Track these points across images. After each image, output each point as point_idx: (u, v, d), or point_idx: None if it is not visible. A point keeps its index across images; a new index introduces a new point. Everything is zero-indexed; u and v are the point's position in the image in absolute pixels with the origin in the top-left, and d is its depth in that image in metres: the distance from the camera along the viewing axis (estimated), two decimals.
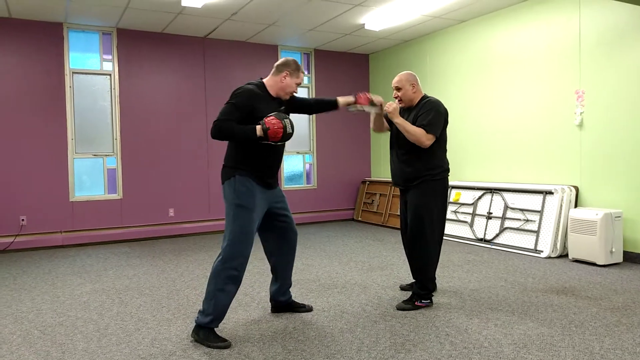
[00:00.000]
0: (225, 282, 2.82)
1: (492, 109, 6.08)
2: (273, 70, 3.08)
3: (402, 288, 3.87)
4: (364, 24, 6.40)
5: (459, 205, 6.17)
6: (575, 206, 5.07)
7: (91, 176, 6.42)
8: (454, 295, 3.68)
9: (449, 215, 6.29)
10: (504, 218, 5.53)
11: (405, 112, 3.50)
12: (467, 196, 6.11)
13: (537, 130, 5.52)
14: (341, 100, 3.35)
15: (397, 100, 3.48)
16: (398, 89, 3.44)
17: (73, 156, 6.24)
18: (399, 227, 6.95)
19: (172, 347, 2.81)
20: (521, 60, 5.69)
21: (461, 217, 6.09)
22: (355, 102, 3.36)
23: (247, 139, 2.86)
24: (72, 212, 6.20)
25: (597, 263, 4.53)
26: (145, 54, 6.57)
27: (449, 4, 5.68)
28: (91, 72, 6.35)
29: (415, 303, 3.38)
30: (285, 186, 7.62)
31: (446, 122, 3.46)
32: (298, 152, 7.78)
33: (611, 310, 3.28)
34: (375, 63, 8.21)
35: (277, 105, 3.06)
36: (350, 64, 8.12)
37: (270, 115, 2.85)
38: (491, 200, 5.78)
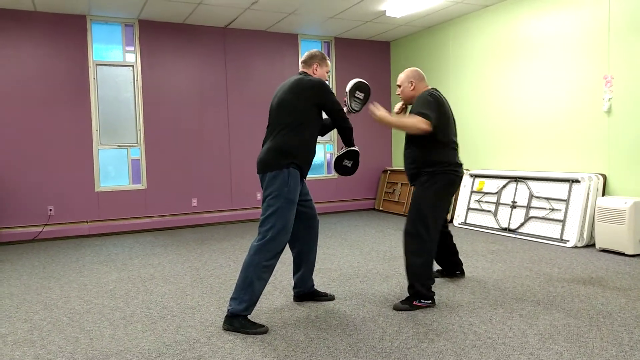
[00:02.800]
0: (263, 271, 2.86)
1: (517, 96, 5.95)
2: (302, 65, 3.17)
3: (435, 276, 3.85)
4: (384, 11, 6.31)
5: (482, 195, 6.09)
6: (603, 195, 4.95)
7: (116, 167, 6.53)
8: (478, 285, 3.64)
9: (472, 204, 6.21)
10: (528, 207, 5.44)
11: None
12: (491, 185, 6.02)
13: (564, 117, 5.39)
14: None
15: (399, 95, 3.56)
16: (399, 86, 3.52)
17: (98, 147, 6.35)
18: None
19: (197, 334, 2.85)
20: (547, 45, 5.54)
21: (485, 206, 6.01)
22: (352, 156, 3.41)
23: (352, 142, 3.26)
24: (97, 202, 6.32)
25: (626, 253, 4.42)
26: (166, 45, 6.62)
27: None
28: (114, 63, 6.43)
29: (414, 303, 3.17)
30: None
31: (446, 115, 3.26)
32: (319, 142, 7.75)
33: None
34: (396, 51, 8.11)
35: None
36: (371, 52, 8.04)
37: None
38: (516, 189, 5.68)
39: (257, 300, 2.91)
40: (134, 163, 6.57)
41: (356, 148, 3.35)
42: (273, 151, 2.96)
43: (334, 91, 7.72)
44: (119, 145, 6.48)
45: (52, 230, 6.10)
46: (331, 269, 4.27)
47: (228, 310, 2.89)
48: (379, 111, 3.22)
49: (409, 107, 3.51)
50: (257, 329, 2.82)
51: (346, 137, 3.25)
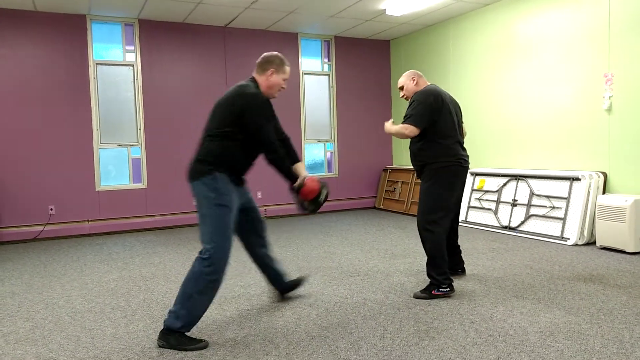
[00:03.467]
0: (207, 285, 2.65)
1: (518, 94, 5.95)
2: (256, 68, 2.91)
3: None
4: (384, 10, 6.31)
5: (483, 193, 6.09)
6: (604, 192, 4.95)
7: (116, 166, 6.53)
8: (479, 283, 3.65)
9: (472, 202, 6.21)
10: (529, 205, 5.44)
11: None
12: (492, 183, 6.02)
13: (564, 115, 5.39)
14: (299, 176, 2.93)
15: (404, 97, 3.62)
16: (401, 88, 3.60)
17: (98, 146, 6.35)
18: None
19: (197, 332, 2.85)
20: (547, 43, 5.54)
21: (485, 204, 6.01)
22: (298, 193, 2.93)
23: (287, 175, 2.87)
24: (98, 202, 6.33)
25: (627, 250, 4.42)
26: (166, 44, 6.62)
27: None
28: (114, 63, 6.43)
29: (433, 292, 3.32)
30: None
31: (439, 111, 3.34)
32: (319, 141, 7.76)
33: None
34: (396, 49, 8.10)
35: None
36: (371, 50, 8.04)
37: (316, 177, 2.97)
38: (516, 187, 5.68)
39: (197, 319, 2.69)
40: (134, 162, 6.58)
41: (298, 181, 2.89)
42: (197, 160, 2.79)
43: (334, 91, 7.73)
44: (119, 145, 6.48)
45: (53, 230, 6.11)
46: (332, 267, 4.27)
47: (164, 323, 2.68)
48: (386, 126, 3.48)
49: None
50: (195, 345, 2.61)
51: (277, 169, 2.87)
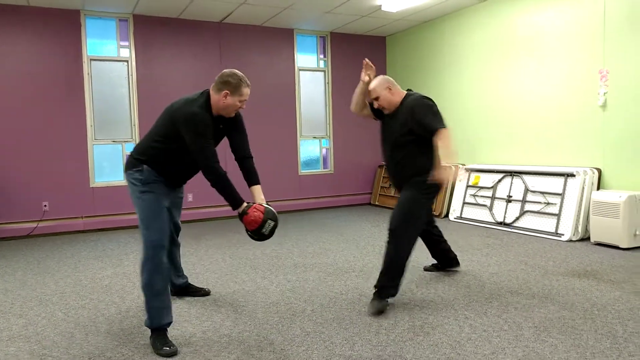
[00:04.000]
0: (150, 274, 2.59)
1: (513, 90, 5.95)
2: (214, 86, 2.79)
3: (426, 269, 3.91)
4: (380, 5, 6.29)
5: (478, 189, 6.10)
6: (598, 189, 4.97)
7: (111, 162, 6.50)
8: (474, 279, 3.66)
9: (468, 198, 6.22)
10: (524, 201, 5.45)
11: (390, 117, 3.29)
12: (487, 179, 6.03)
13: (559, 112, 5.40)
14: (241, 204, 2.77)
15: (381, 107, 3.32)
16: (377, 98, 3.27)
17: (92, 142, 6.31)
18: None
19: (192, 329, 2.84)
20: (543, 39, 5.54)
21: (480, 200, 6.02)
22: (241, 220, 2.75)
23: (230, 200, 2.71)
24: (92, 198, 6.30)
25: (620, 246, 4.44)
26: (161, 40, 6.58)
27: None
28: (108, 58, 6.39)
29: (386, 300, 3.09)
30: (302, 171, 7.62)
31: None
32: (315, 137, 7.75)
33: (635, 293, 3.22)
34: (392, 45, 8.09)
35: (216, 127, 2.83)
36: (367, 47, 8.02)
37: (263, 206, 2.76)
38: (511, 183, 5.69)
39: (158, 313, 2.58)
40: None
41: (240, 208, 2.70)
42: (131, 155, 2.84)
43: (329, 87, 7.71)
44: (113, 141, 6.45)
45: (47, 226, 6.08)
46: (327, 263, 4.27)
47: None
48: (440, 175, 3.04)
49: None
50: (162, 350, 2.50)
51: (217, 191, 2.72)
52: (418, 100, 3.16)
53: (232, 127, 2.98)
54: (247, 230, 2.78)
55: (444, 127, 3.04)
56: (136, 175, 2.76)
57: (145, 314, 2.63)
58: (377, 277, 3.18)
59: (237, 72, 2.85)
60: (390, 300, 3.14)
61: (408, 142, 3.15)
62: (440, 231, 3.81)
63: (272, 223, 2.76)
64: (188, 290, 3.44)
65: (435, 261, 3.92)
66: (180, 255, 3.41)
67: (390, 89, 3.26)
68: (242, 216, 2.71)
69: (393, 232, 3.12)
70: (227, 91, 2.76)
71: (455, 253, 3.91)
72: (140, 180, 2.74)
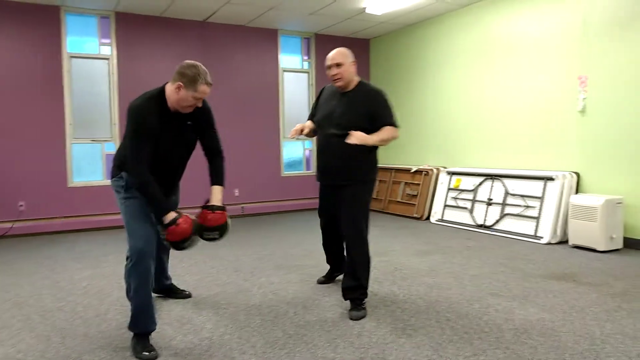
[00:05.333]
0: (137, 279, 2.51)
1: (494, 95, 6.03)
2: (172, 76, 2.63)
3: (320, 282, 3.69)
4: (365, 8, 6.32)
5: (459, 192, 6.16)
6: (576, 192, 5.06)
7: (89, 162, 6.38)
8: (455, 281, 3.68)
9: (449, 201, 6.27)
10: (504, 204, 5.52)
11: (335, 96, 3.17)
12: (468, 182, 6.09)
13: (539, 116, 5.48)
14: (213, 196, 2.81)
15: (335, 78, 3.12)
16: (339, 65, 3.06)
17: (71, 141, 6.19)
18: (398, 213, 6.96)
19: (172, 331, 2.80)
20: (524, 45, 5.63)
21: (461, 203, 6.08)
22: (165, 228, 2.57)
23: (155, 208, 2.57)
24: (70, 198, 6.17)
25: (598, 249, 4.53)
26: (143, 38, 6.50)
27: None
28: (89, 56, 6.28)
29: (364, 306, 3.06)
30: (285, 172, 7.59)
31: None
32: (297, 139, 7.72)
33: (611, 295, 3.28)
34: (376, 48, 8.13)
35: (178, 120, 2.65)
36: (351, 49, 7.82)
37: (191, 218, 2.60)
38: (492, 186, 5.76)
39: (145, 316, 2.53)
40: (108, 158, 6.44)
41: (168, 218, 2.54)
42: (113, 160, 2.84)
43: (313, 89, 7.71)
44: (93, 140, 6.34)
45: (23, 227, 5.93)
46: (310, 265, 4.26)
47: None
48: (355, 137, 2.90)
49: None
50: (142, 355, 2.46)
51: (144, 197, 2.58)
52: (378, 91, 3.13)
53: (201, 122, 2.80)
54: (164, 238, 2.59)
55: (397, 126, 3.10)
56: (118, 182, 2.72)
57: (129, 317, 2.58)
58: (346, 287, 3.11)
59: (199, 65, 2.62)
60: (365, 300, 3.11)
61: (356, 127, 2.96)
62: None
63: (196, 240, 2.63)
64: (170, 292, 3.40)
65: (331, 270, 3.71)
66: (168, 258, 3.37)
67: (354, 63, 3.15)
68: (168, 226, 2.53)
69: (352, 237, 3.07)
70: (181, 83, 2.56)
71: (435, 255, 3.92)
72: (122, 187, 2.69)
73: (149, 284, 2.56)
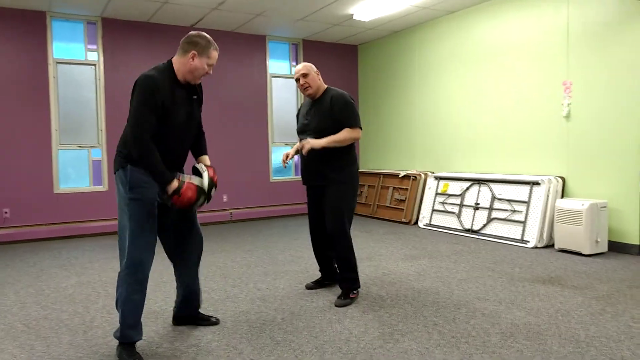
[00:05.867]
0: (131, 289, 2.48)
1: (480, 100, 6.09)
2: (179, 49, 2.59)
3: (309, 287, 3.71)
4: (352, 15, 6.36)
5: (446, 197, 6.20)
6: (562, 197, 5.11)
7: (76, 168, 6.33)
8: (442, 286, 3.70)
9: (436, 206, 6.31)
10: (491, 209, 5.57)
11: (310, 106, 3.46)
12: (455, 187, 6.13)
13: (525, 122, 5.54)
14: (172, 185, 2.54)
15: (304, 87, 3.39)
16: (305, 75, 3.37)
17: (57, 147, 6.14)
18: (387, 218, 6.98)
19: (159, 339, 2.78)
20: (509, 51, 5.70)
21: (449, 207, 6.11)
22: (171, 198, 2.55)
23: (157, 179, 2.49)
24: (56, 204, 6.11)
25: (583, 253, 4.58)
26: (130, 44, 6.47)
27: None
28: (75, 62, 6.24)
29: (351, 296, 3.36)
30: (273, 178, 7.59)
31: None
32: (286, 144, 7.73)
33: (596, 299, 3.32)
34: (364, 54, 8.18)
35: (187, 94, 2.64)
36: (339, 55, 8.08)
37: (193, 184, 2.57)
38: (479, 191, 5.81)
39: (135, 324, 2.51)
40: (95, 164, 6.39)
41: (172, 185, 2.52)
42: (116, 152, 2.61)
43: (301, 95, 7.71)
44: (79, 146, 6.29)
45: (8, 234, 5.86)
46: (298, 271, 4.25)
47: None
48: (308, 143, 3.24)
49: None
50: None
51: (147, 168, 2.49)
52: (340, 95, 3.38)
53: (200, 98, 2.77)
54: (172, 205, 2.57)
55: (359, 127, 3.37)
56: (122, 177, 2.52)
57: (117, 325, 2.55)
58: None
59: (205, 34, 2.64)
60: (358, 290, 3.45)
61: (324, 131, 3.30)
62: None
63: (203, 198, 2.62)
64: (195, 320, 3.01)
65: (321, 276, 3.78)
66: (196, 275, 2.92)
67: (318, 73, 3.45)
68: (172, 196, 2.51)
69: (336, 232, 3.33)
70: (195, 52, 2.55)
71: (423, 260, 3.96)
72: (126, 184, 2.50)
73: (143, 294, 2.54)
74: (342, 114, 3.32)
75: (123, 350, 2.51)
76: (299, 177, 7.75)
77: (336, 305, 3.27)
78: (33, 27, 5.94)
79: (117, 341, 2.57)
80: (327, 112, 3.34)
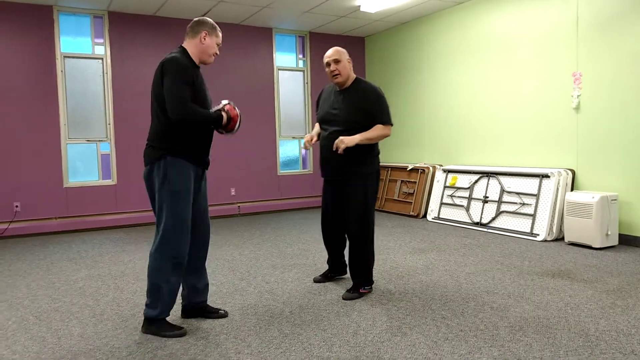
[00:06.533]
0: (168, 273, 2.68)
1: (489, 92, 6.04)
2: (188, 33, 2.75)
3: (317, 280, 3.70)
4: (359, 6, 6.31)
5: (455, 190, 6.17)
6: (572, 189, 5.07)
7: (85, 162, 6.37)
8: (450, 279, 3.69)
9: (445, 199, 6.28)
10: (500, 202, 5.53)
11: (333, 94, 3.36)
12: (464, 180, 6.10)
13: (534, 114, 5.49)
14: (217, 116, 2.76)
15: (333, 74, 3.28)
16: (337, 61, 3.24)
17: (66, 142, 6.18)
18: (395, 211, 6.97)
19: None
20: (518, 42, 5.63)
21: (457, 201, 6.09)
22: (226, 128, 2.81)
23: (208, 125, 2.72)
24: (66, 198, 6.16)
25: (593, 246, 4.54)
26: (137, 37, 6.47)
27: None
28: (83, 56, 6.25)
29: (361, 290, 3.32)
30: (281, 171, 7.59)
31: None
32: (294, 137, 7.73)
33: (606, 292, 3.30)
34: (371, 46, 8.13)
35: (203, 78, 2.83)
36: (346, 46, 7.91)
37: (229, 104, 2.80)
38: (487, 184, 5.77)
39: (173, 302, 2.75)
40: (103, 158, 6.42)
41: (224, 119, 2.76)
42: (148, 146, 2.71)
43: (308, 87, 7.70)
44: (88, 140, 6.32)
45: (18, 227, 5.92)
46: (306, 264, 4.26)
47: (143, 314, 2.77)
48: (341, 142, 3.08)
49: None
50: (173, 332, 2.70)
51: (199, 123, 2.69)
52: (374, 88, 3.26)
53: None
54: (229, 129, 2.81)
55: (391, 124, 3.26)
56: (158, 169, 2.63)
57: (150, 304, 2.71)
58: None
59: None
60: (371, 286, 3.40)
61: (354, 123, 3.19)
62: (346, 243, 3.62)
63: (238, 111, 2.87)
64: (203, 312, 3.02)
65: (326, 270, 3.76)
66: (203, 264, 2.98)
67: (350, 61, 3.33)
68: (228, 123, 2.76)
69: (361, 238, 3.28)
70: (206, 31, 2.74)
71: (431, 253, 3.95)
72: (165, 176, 2.62)
73: (178, 277, 2.75)
74: (376, 108, 3.19)
75: (161, 326, 2.72)
76: (307, 171, 7.80)
77: (344, 299, 3.26)
78: (40, 21, 5.96)
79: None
80: (358, 104, 3.20)
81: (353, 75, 3.34)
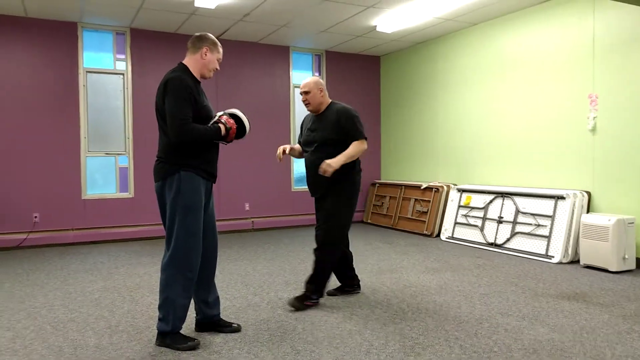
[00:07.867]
0: (180, 288, 2.73)
1: (504, 113, 6.04)
2: (189, 48, 2.83)
3: (330, 294, 3.78)
4: (375, 26, 6.40)
5: (469, 209, 6.15)
6: (588, 211, 5.03)
7: (103, 175, 6.48)
8: (464, 300, 3.67)
9: (459, 219, 6.26)
10: (515, 222, 5.50)
11: (315, 120, 3.62)
12: (478, 200, 6.08)
13: (549, 135, 5.48)
14: (217, 130, 2.82)
15: (305, 103, 3.60)
16: (307, 92, 3.56)
17: (85, 155, 6.30)
18: (408, 230, 6.95)
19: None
20: (533, 63, 5.65)
21: (472, 221, 6.06)
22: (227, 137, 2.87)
23: (211, 140, 2.78)
24: (84, 210, 6.26)
25: (609, 269, 4.49)
26: (158, 54, 6.63)
27: (461, 7, 5.66)
28: (105, 71, 6.41)
29: (305, 303, 3.46)
30: (295, 187, 7.64)
31: None
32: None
33: (623, 317, 3.25)
34: (386, 65, 8.20)
35: (204, 94, 2.88)
36: (361, 65, 8.12)
37: (224, 115, 2.84)
38: (502, 204, 5.74)
39: (185, 316, 2.80)
40: (121, 171, 6.53)
41: (223, 132, 2.81)
42: (158, 161, 2.86)
43: None
44: (107, 153, 6.45)
45: (37, 238, 6.02)
46: None
47: (157, 327, 2.81)
48: (329, 165, 3.31)
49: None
50: (187, 344, 2.73)
51: (202, 140, 2.76)
52: (345, 109, 3.54)
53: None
54: (230, 139, 2.87)
55: (365, 137, 3.51)
56: (171, 184, 2.72)
57: (162, 319, 2.75)
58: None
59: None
60: (316, 300, 3.54)
61: (331, 143, 3.46)
62: (351, 255, 3.90)
63: (244, 117, 2.92)
64: (216, 326, 3.04)
65: (340, 285, 3.88)
66: (213, 275, 3.01)
67: (321, 90, 3.58)
68: (227, 134, 2.80)
69: (326, 241, 3.48)
70: (207, 47, 2.80)
71: (445, 273, 3.95)
72: (175, 191, 2.70)
73: (190, 292, 2.80)
74: (349, 125, 3.47)
75: (175, 339, 2.75)
76: None
77: (288, 304, 3.46)
78: (65, 37, 6.14)
79: (162, 334, 2.76)
80: (332, 124, 3.48)
81: (328, 100, 3.62)
